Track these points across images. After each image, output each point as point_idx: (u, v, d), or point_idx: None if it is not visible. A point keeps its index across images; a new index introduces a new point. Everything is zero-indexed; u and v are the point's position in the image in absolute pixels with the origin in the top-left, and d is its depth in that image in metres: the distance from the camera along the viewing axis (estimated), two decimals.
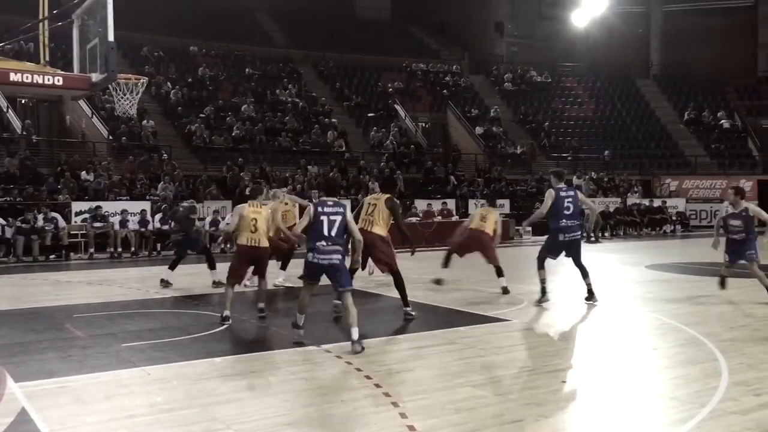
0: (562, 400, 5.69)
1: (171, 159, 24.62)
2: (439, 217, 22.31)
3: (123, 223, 18.22)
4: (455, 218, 23.06)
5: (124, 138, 24.95)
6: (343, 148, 29.39)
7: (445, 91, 35.82)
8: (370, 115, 33.08)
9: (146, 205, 19.37)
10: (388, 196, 9.15)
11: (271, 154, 27.36)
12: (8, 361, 6.83)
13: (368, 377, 6.18)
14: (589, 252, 17.23)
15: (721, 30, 37.70)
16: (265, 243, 9.09)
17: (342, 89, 34.37)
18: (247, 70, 32.92)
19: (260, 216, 9.02)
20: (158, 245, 18.50)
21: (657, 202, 26.77)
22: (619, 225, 25.30)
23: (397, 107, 33.52)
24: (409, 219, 21.66)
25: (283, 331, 8.15)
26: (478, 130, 32.96)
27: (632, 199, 27.42)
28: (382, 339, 7.87)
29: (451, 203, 25.23)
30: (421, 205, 24.23)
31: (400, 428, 4.91)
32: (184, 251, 12.54)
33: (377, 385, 5.92)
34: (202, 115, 28.18)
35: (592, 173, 30.12)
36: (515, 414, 5.21)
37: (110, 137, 24.77)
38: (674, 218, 26.31)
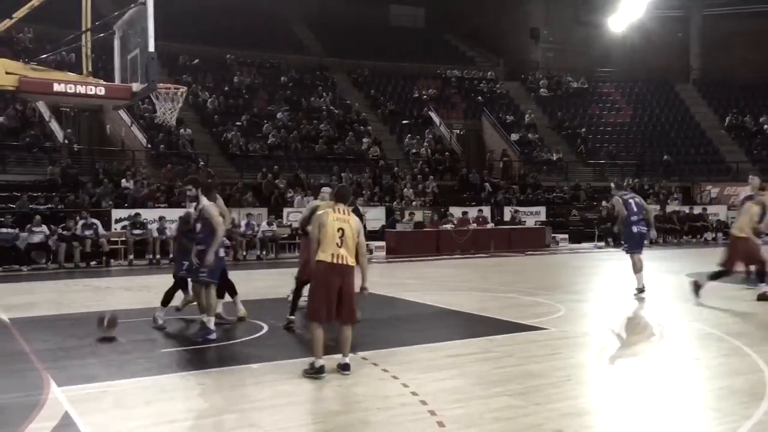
0: (602, 410, 5.60)
1: (207, 166, 24.93)
2: (474, 225, 22.19)
3: (161, 230, 18.49)
4: (490, 225, 22.95)
5: (162, 146, 25.36)
6: (378, 155, 29.47)
7: (479, 97, 35.67)
8: (404, 122, 33.10)
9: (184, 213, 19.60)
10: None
11: (305, 161, 27.54)
12: (51, 365, 6.96)
13: (405, 385, 6.16)
14: (628, 260, 16.96)
15: (762, 33, 36.85)
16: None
17: (376, 97, 34.48)
18: (282, 78, 33.22)
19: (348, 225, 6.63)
20: None
21: (697, 209, 26.27)
22: (658, 233, 24.80)
23: (432, 114, 33.49)
24: (444, 226, 21.63)
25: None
26: (514, 136, 32.76)
27: (672, 206, 26.94)
28: (419, 347, 7.83)
29: (486, 210, 25.08)
30: (456, 212, 24.09)
31: None
32: None
33: (414, 393, 5.90)
34: (238, 123, 28.50)
35: (630, 180, 29.68)
36: (555, 424, 5.14)
37: (149, 145, 25.19)
38: (715, 226, 25.77)
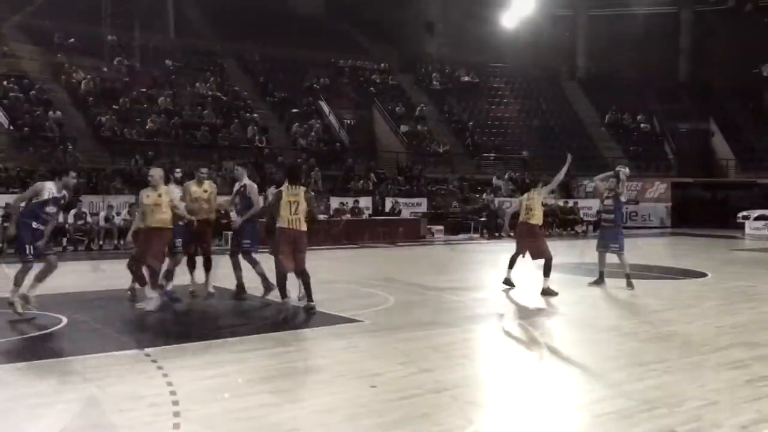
0: (348, 408, 5.44)
1: (76, 151, 23.73)
2: (348, 215, 22.05)
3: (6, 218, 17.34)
4: (366, 216, 22.87)
5: (26, 128, 23.93)
6: (263, 144, 28.90)
7: (372, 88, 35.58)
8: (293, 110, 32.60)
9: None
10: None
11: (184, 148, 26.63)
12: None
13: (170, 384, 5.84)
14: (488, 251, 17.23)
15: (644, 35, 38.48)
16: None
17: (266, 84, 33.81)
18: (166, 61, 32.05)
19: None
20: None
21: (571, 203, 27.09)
22: None
23: (322, 104, 33.13)
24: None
25: (116, 333, 7.78)
26: (403, 128, 32.83)
27: (548, 200, 27.58)
28: (216, 341, 7.50)
29: (367, 201, 25.01)
30: (335, 203, 23.91)
31: None
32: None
33: (173, 393, 5.59)
34: (115, 107, 27.28)
35: (511, 173, 30.38)
36: (297, 422, 4.99)
37: (11, 127, 23.75)
38: (585, 218, 26.64)
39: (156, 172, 9.55)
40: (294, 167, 11.21)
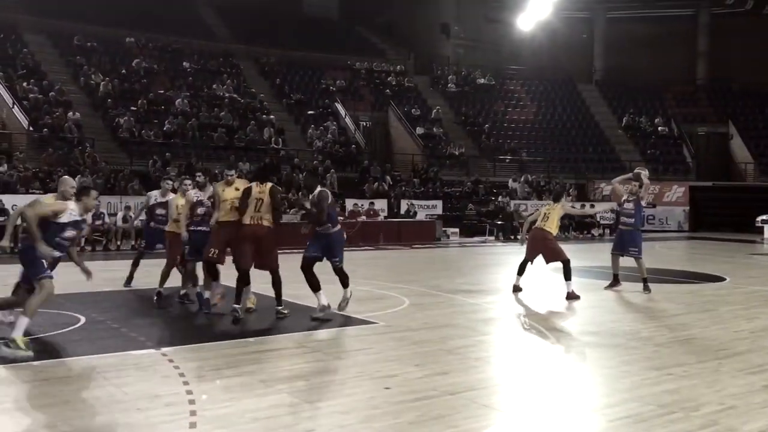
0: (365, 410, 5.46)
1: (95, 152, 23.96)
2: (364, 217, 22.09)
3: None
4: (381, 218, 22.88)
5: (45, 129, 24.21)
6: (280, 145, 29.03)
7: (387, 90, 35.64)
8: (309, 112, 32.73)
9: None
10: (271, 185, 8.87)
11: (202, 149, 26.82)
12: None
13: (186, 383, 5.90)
14: (499, 254, 17.14)
15: (662, 37, 38.31)
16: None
17: (282, 86, 33.97)
18: (184, 63, 32.29)
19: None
20: None
21: (587, 206, 26.95)
22: None
23: (338, 105, 33.23)
24: None
25: (134, 333, 7.85)
26: (419, 130, 32.86)
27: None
28: (231, 342, 7.56)
29: (382, 203, 25.03)
30: (350, 204, 23.95)
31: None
32: None
33: (189, 392, 5.65)
34: (133, 108, 27.53)
35: (528, 176, 30.28)
36: (313, 423, 5.01)
37: (31, 128, 24.03)
38: (601, 222, 26.49)
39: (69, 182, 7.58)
40: (262, 166, 11.47)
